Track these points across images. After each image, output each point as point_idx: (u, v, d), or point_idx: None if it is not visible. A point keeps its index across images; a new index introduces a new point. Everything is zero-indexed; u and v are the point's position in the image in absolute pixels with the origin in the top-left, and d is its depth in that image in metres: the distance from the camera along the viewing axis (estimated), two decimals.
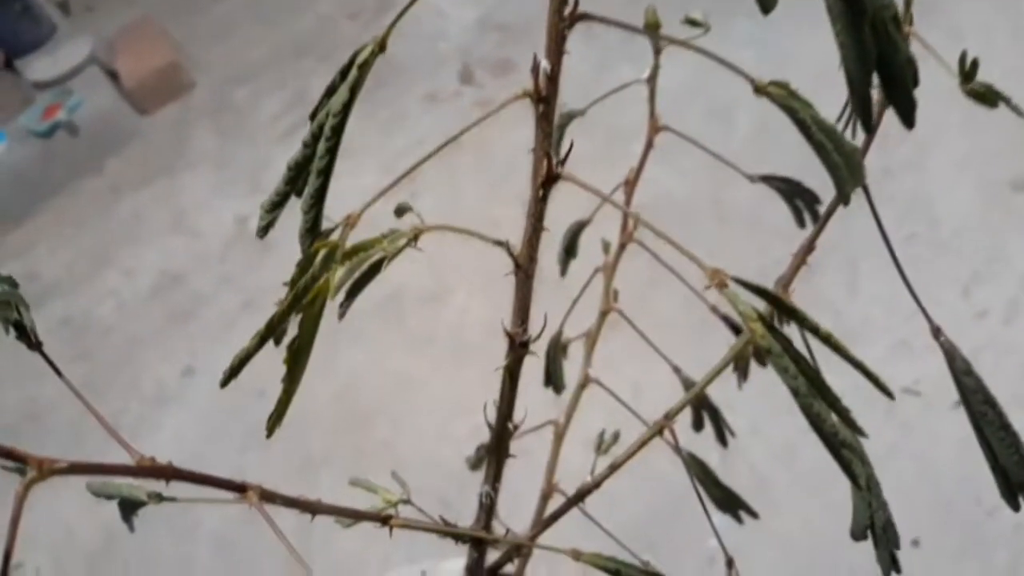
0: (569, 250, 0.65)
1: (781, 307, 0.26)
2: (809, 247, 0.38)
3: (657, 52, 0.51)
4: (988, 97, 0.33)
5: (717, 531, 0.41)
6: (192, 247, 2.17)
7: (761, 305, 0.30)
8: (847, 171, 0.29)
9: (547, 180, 0.32)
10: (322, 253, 0.30)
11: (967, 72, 0.32)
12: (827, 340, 0.27)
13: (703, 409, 0.50)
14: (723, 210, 1.81)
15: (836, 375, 0.36)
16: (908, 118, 0.25)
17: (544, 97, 0.30)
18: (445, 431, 1.69)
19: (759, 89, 0.28)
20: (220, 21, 2.78)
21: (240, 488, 0.32)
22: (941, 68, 0.35)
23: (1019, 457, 0.31)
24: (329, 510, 0.34)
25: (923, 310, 0.34)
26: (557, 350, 0.56)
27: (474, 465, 0.61)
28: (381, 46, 0.30)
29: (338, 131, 0.30)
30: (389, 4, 2.62)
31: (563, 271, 0.67)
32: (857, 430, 0.27)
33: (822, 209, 0.56)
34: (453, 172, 2.08)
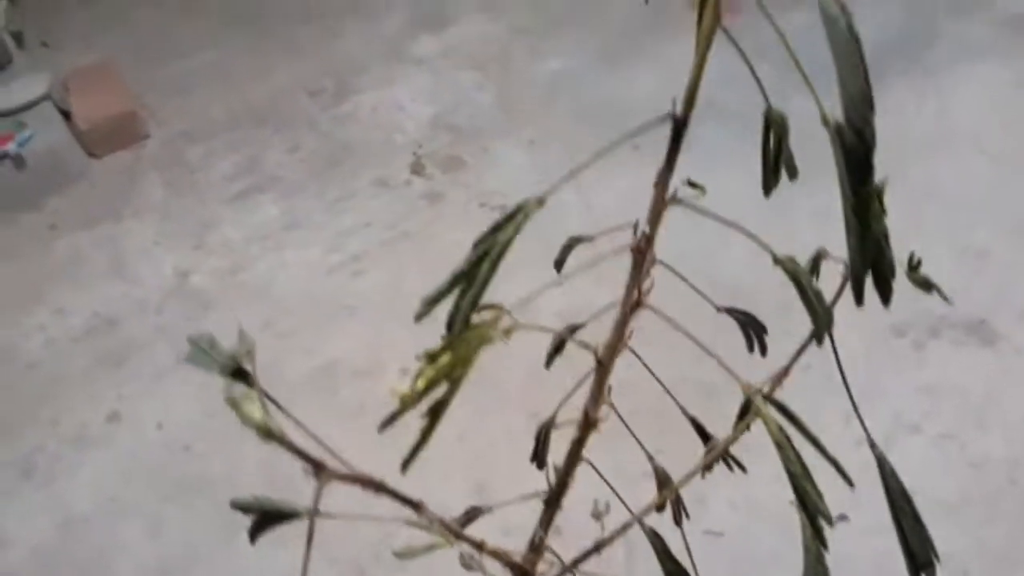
0: (557, 348, 0.78)
1: (785, 412, 0.40)
2: (784, 373, 0.53)
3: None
4: (926, 285, 0.48)
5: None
6: (130, 294, 2.21)
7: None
8: (824, 321, 0.43)
9: (635, 305, 0.46)
10: (475, 340, 0.41)
11: (913, 266, 0.47)
12: (806, 433, 0.40)
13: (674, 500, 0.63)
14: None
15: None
16: (886, 299, 0.40)
17: (641, 250, 0.43)
18: (366, 504, 1.77)
19: (777, 261, 0.43)
20: (182, 77, 2.86)
21: (416, 505, 0.42)
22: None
23: (923, 540, 0.45)
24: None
25: (862, 424, 0.48)
26: (548, 432, 0.69)
27: (463, 523, 0.72)
28: (540, 202, 0.42)
29: (500, 258, 0.41)
30: (348, 88, 2.77)
31: (548, 365, 0.80)
32: (826, 509, 0.40)
33: (767, 339, 0.72)
34: (398, 257, 2.20)
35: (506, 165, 2.44)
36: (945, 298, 0.45)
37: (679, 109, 0.38)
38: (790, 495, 1.72)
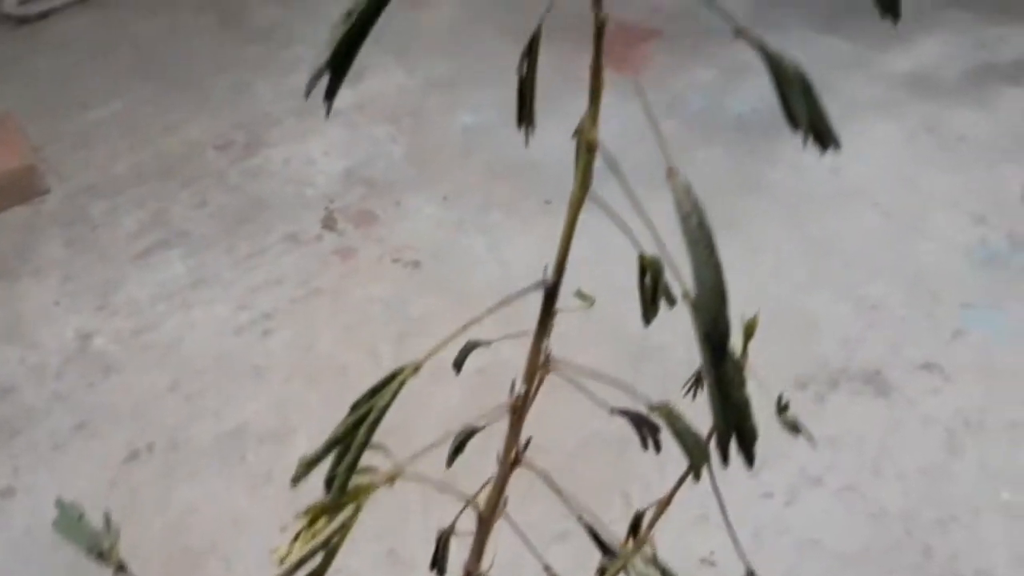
0: (458, 449, 0.78)
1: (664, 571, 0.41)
2: (667, 500, 0.54)
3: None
4: (794, 426, 0.51)
5: None
6: (26, 359, 2.12)
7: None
8: (697, 454, 0.45)
9: (513, 463, 0.46)
10: (355, 504, 0.41)
11: (782, 407, 0.49)
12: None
13: None
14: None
15: None
16: (750, 461, 0.42)
17: (517, 409, 0.44)
18: None
19: (652, 408, 0.44)
20: (86, 130, 2.79)
21: None
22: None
23: None
24: None
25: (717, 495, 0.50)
26: (448, 539, 0.69)
27: None
28: (416, 369, 0.43)
29: (376, 424, 0.42)
30: (258, 141, 2.74)
31: (448, 465, 0.80)
32: None
33: (660, 436, 0.74)
34: (310, 314, 2.17)
35: (419, 219, 2.44)
36: (811, 439, 0.47)
37: (550, 276, 0.39)
38: (699, 550, 1.74)
